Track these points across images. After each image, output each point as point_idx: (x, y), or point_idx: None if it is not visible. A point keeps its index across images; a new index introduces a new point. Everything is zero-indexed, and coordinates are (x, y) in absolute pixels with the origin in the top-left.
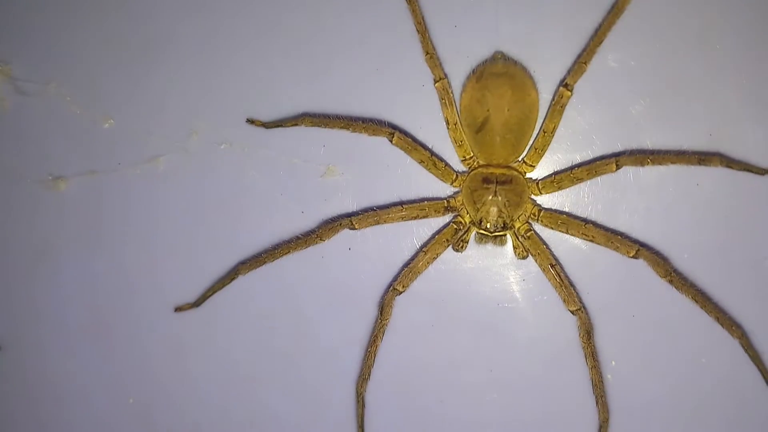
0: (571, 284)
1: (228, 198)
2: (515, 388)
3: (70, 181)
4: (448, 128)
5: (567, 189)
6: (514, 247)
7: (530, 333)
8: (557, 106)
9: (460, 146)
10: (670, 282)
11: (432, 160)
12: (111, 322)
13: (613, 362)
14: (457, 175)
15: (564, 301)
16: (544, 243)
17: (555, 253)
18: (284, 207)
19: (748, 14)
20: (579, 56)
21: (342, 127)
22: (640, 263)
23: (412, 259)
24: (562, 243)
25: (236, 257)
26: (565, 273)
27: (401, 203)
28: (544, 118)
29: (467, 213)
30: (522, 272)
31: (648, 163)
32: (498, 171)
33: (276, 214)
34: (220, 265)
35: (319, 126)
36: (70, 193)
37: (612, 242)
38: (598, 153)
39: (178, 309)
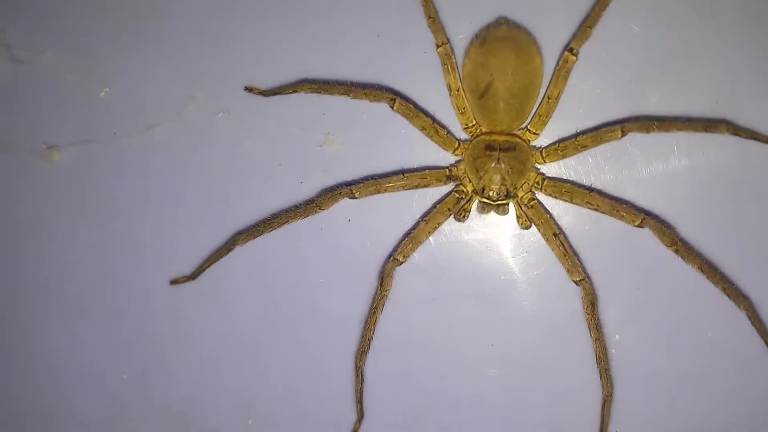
0: (575, 254)
1: (225, 168)
2: (517, 362)
3: (64, 151)
4: (450, 95)
5: (571, 157)
6: (517, 217)
7: (533, 306)
8: (562, 71)
9: (462, 113)
10: (676, 251)
11: (434, 128)
12: (106, 295)
13: (617, 336)
14: (459, 143)
15: (568, 271)
16: (548, 212)
17: (559, 224)
18: (282, 177)
19: None
20: (584, 20)
21: (342, 93)
22: (646, 233)
23: (413, 228)
24: (566, 214)
25: (233, 228)
26: (569, 242)
27: (402, 171)
28: (549, 84)
29: (469, 181)
30: (525, 244)
31: (654, 129)
32: (501, 138)
33: (274, 184)
34: (216, 236)
35: (318, 92)
36: (64, 163)
37: (617, 211)
38: (603, 120)
39: (174, 282)
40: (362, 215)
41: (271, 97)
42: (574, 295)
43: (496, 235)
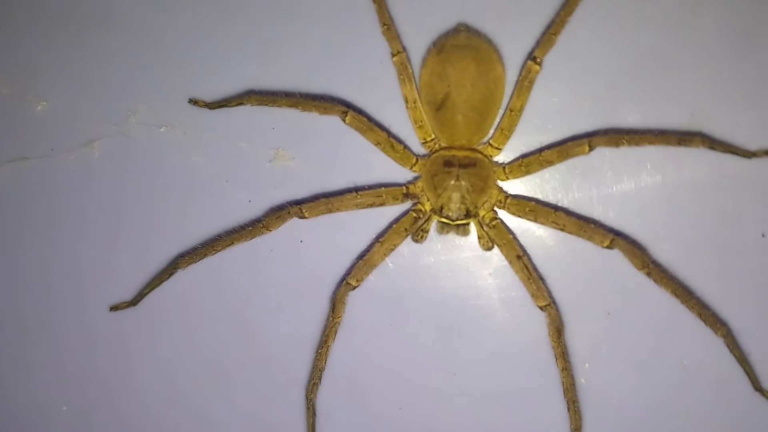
0: (540, 278)
1: (169, 186)
2: (481, 393)
3: None
4: (407, 107)
5: (536, 174)
6: (479, 237)
7: (498, 333)
8: (525, 81)
9: (420, 127)
10: (648, 274)
11: (389, 142)
12: (42, 321)
13: (587, 365)
14: (417, 159)
15: (532, 296)
16: (511, 233)
17: (523, 244)
18: (230, 195)
19: None
20: (548, 27)
21: (290, 106)
22: (617, 254)
23: (367, 250)
24: (531, 233)
25: (177, 249)
26: (533, 265)
27: (356, 190)
28: (511, 96)
29: (428, 200)
30: (489, 266)
31: (623, 143)
32: (461, 154)
33: (221, 202)
34: (159, 257)
35: (265, 104)
36: None
37: (584, 231)
38: (570, 134)
39: (114, 308)
40: (316, 235)
41: (218, 110)
42: (541, 321)
43: (458, 257)
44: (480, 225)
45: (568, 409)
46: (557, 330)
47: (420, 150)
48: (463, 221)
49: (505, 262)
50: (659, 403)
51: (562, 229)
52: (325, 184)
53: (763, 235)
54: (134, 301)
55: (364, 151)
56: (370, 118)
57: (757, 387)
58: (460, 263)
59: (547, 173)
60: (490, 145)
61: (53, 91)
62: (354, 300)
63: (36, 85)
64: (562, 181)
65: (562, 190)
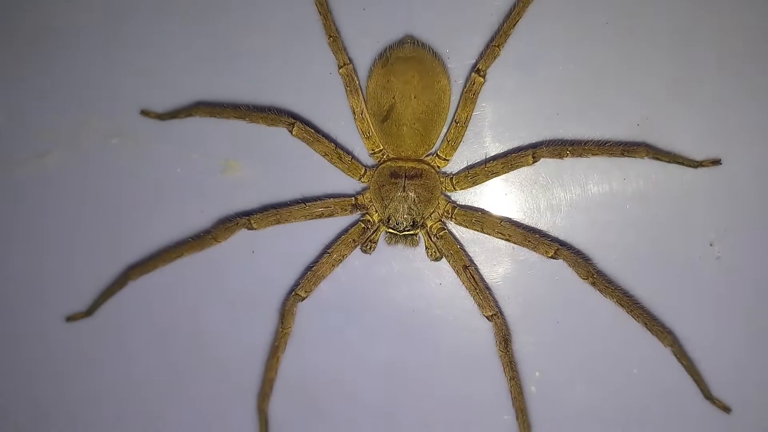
0: (487, 288)
1: (121, 196)
2: (432, 402)
3: None
4: (354, 118)
5: (485, 184)
6: (427, 248)
7: (449, 341)
8: (469, 93)
9: (368, 138)
10: (593, 284)
11: (337, 153)
12: None
13: (538, 373)
14: (365, 170)
15: (479, 305)
16: (459, 243)
17: (476, 253)
18: (181, 206)
19: None
20: (492, 39)
21: (238, 117)
22: (564, 264)
23: (316, 261)
24: (484, 243)
25: (130, 260)
26: (480, 275)
27: (305, 201)
28: (457, 107)
29: (375, 211)
30: (440, 276)
31: (567, 155)
32: (407, 165)
33: (173, 213)
34: (113, 269)
35: (213, 116)
36: None
37: (529, 241)
38: (516, 145)
39: (71, 318)
40: (268, 246)
41: (169, 121)
42: (490, 329)
43: (410, 267)
44: (428, 236)
45: (517, 417)
46: (504, 339)
47: (369, 161)
48: (411, 232)
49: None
50: (609, 411)
51: (508, 240)
52: (275, 194)
53: (710, 245)
54: (89, 312)
55: (315, 162)
56: (317, 130)
57: (707, 395)
58: (412, 273)
59: (495, 182)
60: (438, 156)
61: (6, 105)
62: (305, 310)
63: None
64: (510, 191)
65: (512, 199)
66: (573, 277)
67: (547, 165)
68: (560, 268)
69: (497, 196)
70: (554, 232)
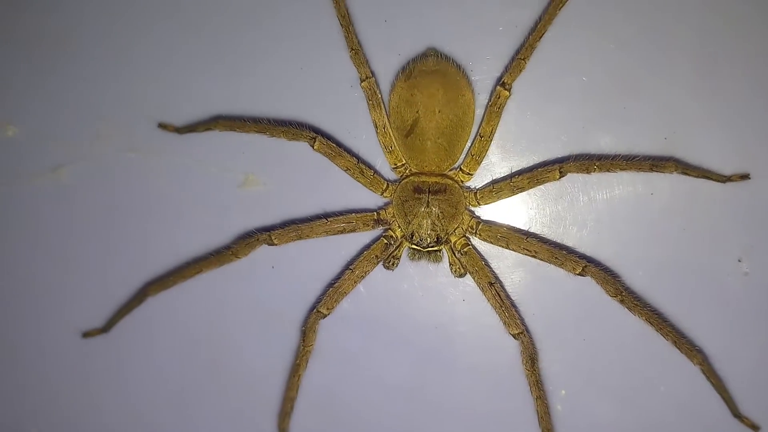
0: (513, 305)
1: (138, 211)
2: (455, 420)
3: None
4: (377, 132)
5: (510, 199)
6: (450, 264)
7: (472, 359)
8: (494, 107)
9: (390, 152)
10: (621, 302)
11: (359, 168)
12: (12, 350)
13: (563, 391)
14: (388, 184)
15: (504, 323)
16: (483, 259)
17: (499, 269)
18: (200, 220)
19: (704, 11)
20: (517, 52)
21: (258, 131)
22: (591, 281)
23: (338, 278)
24: (506, 258)
25: (147, 275)
26: (505, 292)
27: (326, 216)
28: (481, 121)
29: (398, 226)
30: (463, 292)
31: (595, 170)
32: (431, 179)
33: (191, 228)
34: (130, 285)
35: (233, 130)
36: None
37: (556, 258)
38: (541, 159)
39: (87, 335)
40: (288, 262)
41: (187, 135)
42: (515, 347)
43: (432, 283)
44: (452, 252)
45: None
46: (531, 358)
47: (391, 175)
48: (435, 248)
49: (477, 288)
50: (636, 429)
51: (534, 256)
52: (296, 209)
53: (739, 260)
54: (106, 328)
55: (336, 176)
56: (339, 144)
57: (736, 413)
58: (434, 289)
59: (519, 197)
60: (461, 170)
61: (23, 117)
62: (327, 327)
63: (5, 112)
64: (535, 205)
65: (536, 213)
66: (598, 294)
67: (572, 179)
68: (585, 284)
69: (521, 210)
70: (580, 248)
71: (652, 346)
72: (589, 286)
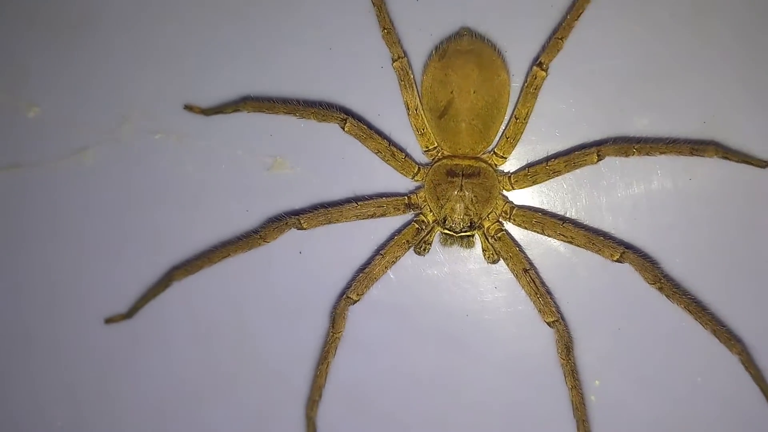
0: (548, 292)
1: (163, 194)
2: (486, 409)
3: None
4: (408, 114)
5: (543, 183)
6: (484, 250)
7: (504, 348)
8: (530, 88)
9: (422, 135)
10: (660, 289)
11: (390, 150)
12: (35, 334)
13: (597, 382)
14: (419, 168)
15: (539, 311)
16: (518, 245)
17: (530, 257)
18: (226, 204)
19: None
20: (555, 31)
21: (288, 113)
22: (627, 268)
23: (368, 263)
24: (538, 245)
25: (172, 260)
26: (541, 279)
27: (356, 200)
28: (516, 103)
29: (430, 211)
30: (495, 279)
31: (633, 153)
32: (464, 162)
33: (217, 212)
34: (154, 269)
35: (262, 111)
36: None
37: (593, 244)
38: (579, 142)
39: (109, 320)
40: (316, 247)
41: (214, 117)
42: (549, 336)
43: (463, 269)
44: (485, 237)
45: (578, 428)
46: (566, 347)
47: (422, 158)
48: (468, 233)
49: (510, 274)
50: (671, 421)
51: (570, 242)
52: (325, 193)
53: None
54: (129, 314)
55: (366, 159)
56: (370, 126)
57: None
58: (465, 276)
59: (554, 181)
60: (495, 153)
61: (46, 98)
62: (355, 313)
63: (28, 92)
64: (569, 190)
65: (570, 198)
66: (633, 282)
67: (609, 163)
68: (620, 272)
69: (555, 196)
70: (616, 234)
71: (688, 335)
72: (623, 273)
